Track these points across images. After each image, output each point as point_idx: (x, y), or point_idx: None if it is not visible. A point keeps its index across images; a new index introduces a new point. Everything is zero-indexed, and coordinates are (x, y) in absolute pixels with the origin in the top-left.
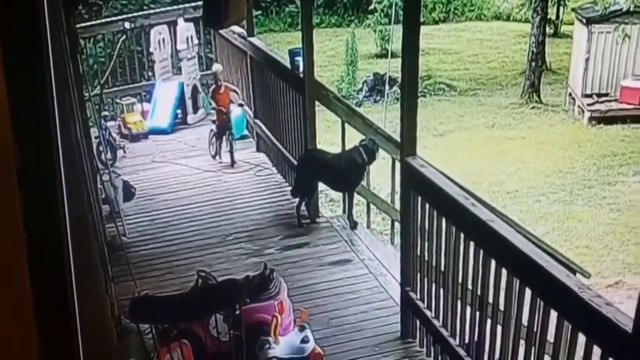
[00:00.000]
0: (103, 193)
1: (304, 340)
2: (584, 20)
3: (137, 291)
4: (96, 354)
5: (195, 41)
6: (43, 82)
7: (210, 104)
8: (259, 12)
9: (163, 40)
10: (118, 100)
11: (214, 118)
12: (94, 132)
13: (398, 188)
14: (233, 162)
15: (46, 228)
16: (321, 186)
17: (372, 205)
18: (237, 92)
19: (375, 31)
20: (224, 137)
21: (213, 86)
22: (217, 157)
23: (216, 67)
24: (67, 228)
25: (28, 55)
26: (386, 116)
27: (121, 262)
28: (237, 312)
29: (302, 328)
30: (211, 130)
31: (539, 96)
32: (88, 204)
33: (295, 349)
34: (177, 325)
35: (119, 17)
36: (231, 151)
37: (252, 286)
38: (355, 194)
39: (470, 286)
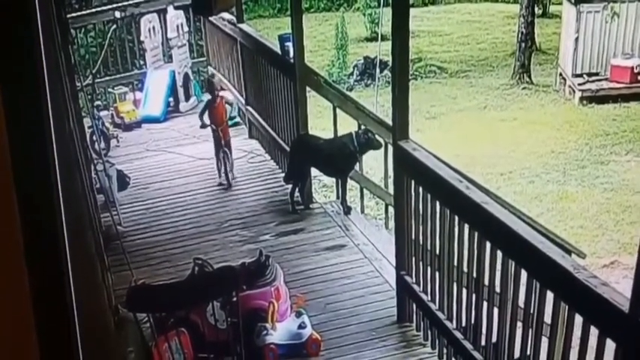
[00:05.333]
0: (98, 182)
1: (301, 326)
2: (573, 0)
3: (134, 280)
4: (94, 344)
5: (186, 29)
6: (35, 74)
7: (202, 122)
8: None
9: (154, 28)
10: (110, 90)
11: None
12: (87, 122)
13: (391, 172)
14: (229, 183)
15: (41, 219)
16: (315, 172)
17: (365, 190)
18: (230, 104)
19: (364, 14)
20: (220, 155)
21: (209, 99)
22: (221, 177)
23: (212, 71)
24: (63, 218)
25: (20, 46)
26: (377, 100)
27: (117, 252)
28: (234, 299)
29: (299, 314)
30: None
31: (529, 76)
32: (82, 194)
33: (293, 334)
34: (174, 314)
35: (109, 6)
36: (225, 172)
37: (249, 272)
38: (348, 179)
39: (465, 269)
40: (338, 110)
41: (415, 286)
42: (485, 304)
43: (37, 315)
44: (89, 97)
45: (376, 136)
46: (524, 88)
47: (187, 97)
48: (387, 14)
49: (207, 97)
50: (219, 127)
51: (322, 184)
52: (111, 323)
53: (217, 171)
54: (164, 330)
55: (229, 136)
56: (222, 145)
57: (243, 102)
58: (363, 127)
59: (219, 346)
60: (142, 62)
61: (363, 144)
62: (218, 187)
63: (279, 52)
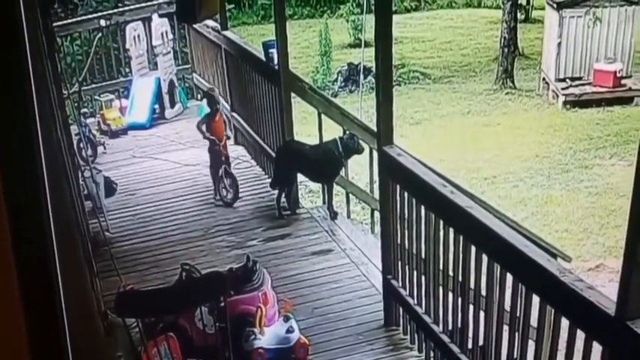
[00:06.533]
0: (85, 189)
1: (289, 330)
2: (555, 5)
3: (122, 286)
4: (83, 350)
5: (170, 36)
6: (22, 83)
7: (203, 133)
8: (232, 5)
9: (139, 36)
10: (96, 97)
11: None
12: (73, 129)
13: (376, 177)
14: (233, 200)
15: (29, 226)
16: (301, 177)
17: (351, 195)
18: (226, 122)
19: (347, 21)
20: (220, 172)
21: (207, 113)
22: (217, 195)
23: (210, 87)
24: (51, 225)
25: (7, 56)
26: (362, 106)
27: (105, 258)
28: (222, 304)
29: (287, 319)
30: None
31: (512, 81)
32: (70, 200)
33: (281, 339)
34: (163, 319)
35: (94, 15)
36: (226, 188)
37: (236, 278)
38: (334, 184)
39: (451, 273)
40: (323, 116)
41: (401, 290)
42: (471, 307)
43: (28, 321)
44: (76, 104)
45: (359, 140)
46: (507, 93)
47: (173, 104)
48: (370, 21)
49: (191, 104)
50: (220, 143)
51: (308, 190)
52: (100, 328)
53: (214, 189)
54: (153, 335)
55: (227, 151)
56: (222, 162)
57: (229, 108)
58: (347, 132)
59: (208, 350)
60: (127, 70)
61: (346, 148)
62: (205, 193)
63: (264, 58)
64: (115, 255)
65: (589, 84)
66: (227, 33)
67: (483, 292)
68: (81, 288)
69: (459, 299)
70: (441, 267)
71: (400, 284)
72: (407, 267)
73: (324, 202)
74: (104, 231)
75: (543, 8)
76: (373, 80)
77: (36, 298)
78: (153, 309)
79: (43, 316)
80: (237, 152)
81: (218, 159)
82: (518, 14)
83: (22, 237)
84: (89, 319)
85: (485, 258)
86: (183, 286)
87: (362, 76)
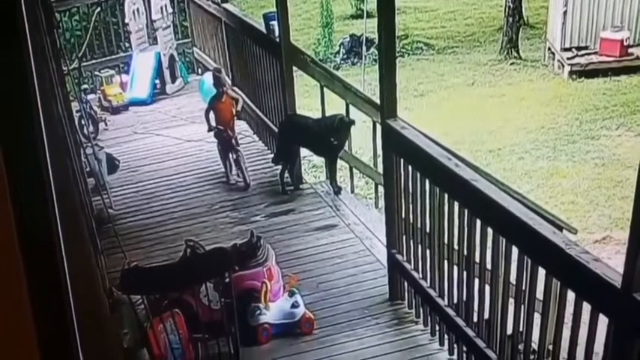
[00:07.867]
0: (88, 166)
1: (294, 305)
2: None
3: (127, 263)
4: (89, 327)
5: (170, 10)
6: (21, 59)
7: (209, 125)
8: None
9: (138, 10)
10: (97, 73)
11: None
12: (74, 106)
13: (380, 151)
14: (247, 183)
15: (33, 204)
16: (304, 152)
17: (354, 170)
18: (238, 99)
19: None
20: (229, 156)
21: (212, 96)
22: (230, 179)
23: (216, 67)
24: (55, 203)
25: (5, 32)
26: (364, 78)
27: (109, 235)
28: (227, 280)
29: (292, 294)
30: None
31: (517, 51)
32: (73, 178)
33: (286, 314)
34: (168, 295)
35: None
36: (242, 171)
37: (240, 253)
38: (338, 159)
39: (456, 246)
40: (325, 89)
41: (406, 264)
42: (476, 281)
43: (33, 299)
44: (76, 80)
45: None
46: (512, 64)
47: (173, 79)
48: None
49: (192, 78)
50: (227, 127)
51: (312, 165)
52: (106, 306)
53: (225, 173)
54: (158, 311)
55: (235, 134)
56: (233, 146)
57: (230, 83)
58: (346, 116)
59: (214, 326)
60: (127, 45)
61: (339, 127)
62: (208, 169)
63: (265, 31)
64: (118, 232)
65: (595, 53)
66: (227, 5)
67: (488, 266)
68: (85, 265)
69: (464, 273)
70: (445, 240)
71: (405, 258)
72: (411, 241)
73: (327, 177)
74: (107, 208)
75: None
76: (376, 52)
77: (41, 276)
78: (158, 286)
79: (47, 294)
80: (239, 127)
81: (227, 144)
82: None
83: (26, 215)
84: (94, 297)
85: (490, 231)
86: (187, 262)
87: (364, 48)
